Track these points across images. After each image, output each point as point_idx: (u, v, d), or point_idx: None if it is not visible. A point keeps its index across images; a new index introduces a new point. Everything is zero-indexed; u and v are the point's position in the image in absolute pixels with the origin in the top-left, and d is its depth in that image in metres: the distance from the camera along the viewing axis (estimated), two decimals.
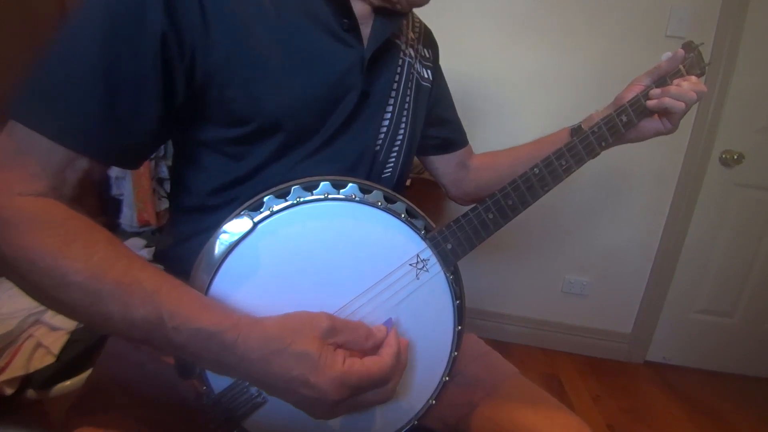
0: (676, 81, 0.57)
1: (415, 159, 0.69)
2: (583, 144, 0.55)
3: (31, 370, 0.82)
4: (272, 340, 0.35)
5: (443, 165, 0.76)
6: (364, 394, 0.38)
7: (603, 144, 0.56)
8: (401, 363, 0.41)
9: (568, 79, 1.56)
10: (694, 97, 0.56)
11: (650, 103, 0.57)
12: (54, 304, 0.36)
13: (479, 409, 0.53)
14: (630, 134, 0.61)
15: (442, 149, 0.75)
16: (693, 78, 0.58)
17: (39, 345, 0.84)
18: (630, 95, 0.59)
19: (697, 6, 1.46)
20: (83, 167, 0.38)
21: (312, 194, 0.43)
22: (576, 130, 0.64)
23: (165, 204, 1.32)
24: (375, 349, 0.39)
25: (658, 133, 0.61)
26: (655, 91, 0.57)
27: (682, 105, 0.56)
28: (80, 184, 0.39)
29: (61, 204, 0.36)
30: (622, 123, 0.56)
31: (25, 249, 0.33)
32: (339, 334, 0.37)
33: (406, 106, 0.58)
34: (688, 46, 0.59)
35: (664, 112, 0.58)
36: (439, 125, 0.72)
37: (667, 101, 0.56)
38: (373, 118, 0.54)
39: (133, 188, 1.25)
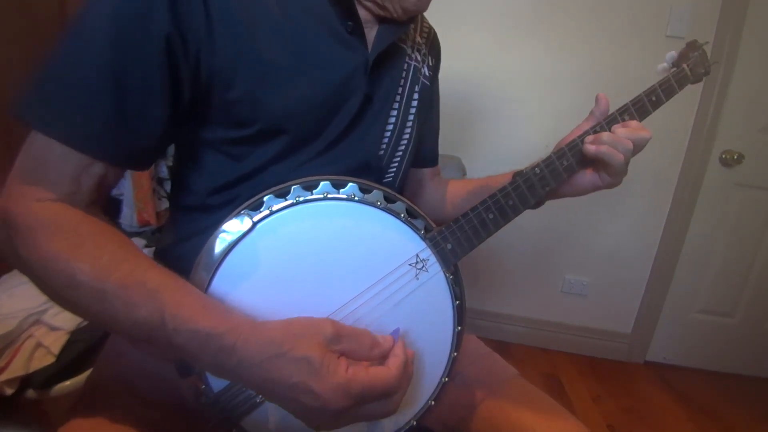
0: (613, 127, 0.52)
1: None
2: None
3: (31, 370, 0.82)
4: (273, 345, 0.34)
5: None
6: (367, 407, 0.36)
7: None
8: (408, 375, 0.38)
9: (567, 80, 1.56)
10: (630, 146, 0.50)
11: (586, 147, 0.52)
12: (67, 303, 0.37)
13: (479, 410, 0.53)
14: (565, 189, 0.56)
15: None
16: (633, 123, 0.53)
17: (39, 345, 0.84)
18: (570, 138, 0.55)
19: (697, 6, 1.46)
20: (98, 172, 0.39)
21: (312, 194, 0.43)
22: (519, 173, 0.55)
23: (165, 204, 1.32)
24: (381, 358, 0.37)
25: (596, 188, 0.55)
26: (588, 139, 0.52)
27: (619, 156, 0.50)
28: (96, 188, 0.40)
29: (75, 209, 0.38)
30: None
31: (40, 253, 0.35)
32: (343, 341, 0.36)
33: (412, 110, 0.57)
34: (693, 45, 0.59)
35: (601, 163, 0.52)
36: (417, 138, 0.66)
37: (604, 149, 0.50)
38: (377, 123, 0.53)
39: (133, 188, 1.25)
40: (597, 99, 0.55)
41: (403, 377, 0.37)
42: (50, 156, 0.37)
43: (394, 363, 0.36)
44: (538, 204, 0.60)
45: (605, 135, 0.51)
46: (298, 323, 0.36)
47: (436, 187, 0.73)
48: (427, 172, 0.73)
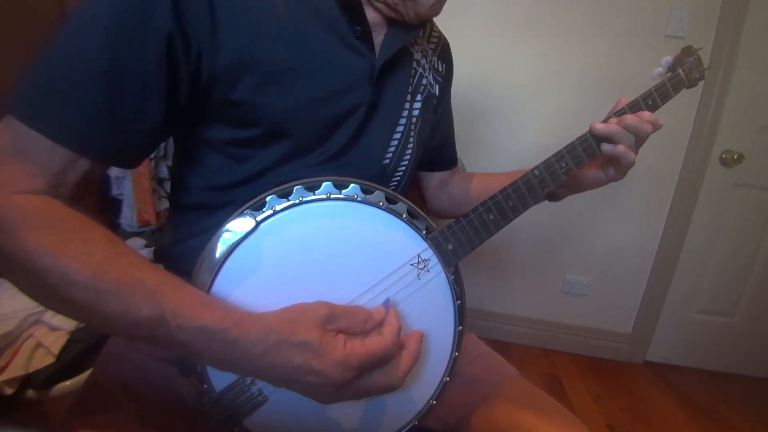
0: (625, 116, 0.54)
1: None
2: (583, 147, 0.55)
3: (31, 370, 0.82)
4: (272, 333, 0.35)
5: (426, 180, 0.75)
6: (370, 376, 0.38)
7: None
8: (412, 351, 0.41)
9: (567, 80, 1.56)
10: (649, 129, 0.52)
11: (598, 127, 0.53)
12: (54, 304, 0.35)
13: (479, 409, 0.53)
14: (571, 185, 0.60)
15: (429, 167, 0.72)
16: (646, 113, 0.54)
17: (39, 345, 0.84)
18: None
19: (697, 6, 1.46)
20: (84, 168, 0.38)
21: (314, 194, 0.43)
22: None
23: (165, 204, 1.32)
24: (375, 330, 0.40)
25: (599, 183, 0.58)
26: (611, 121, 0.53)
27: (647, 127, 0.52)
28: (80, 184, 0.38)
29: (59, 202, 0.36)
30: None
31: (24, 248, 0.32)
32: (338, 319, 0.38)
33: (415, 118, 0.57)
34: (687, 51, 0.59)
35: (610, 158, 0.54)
36: (434, 143, 0.68)
37: (622, 130, 0.52)
38: (383, 131, 0.53)
39: (133, 188, 1.25)
40: (618, 102, 0.57)
41: (396, 343, 0.39)
42: (34, 148, 0.35)
43: (388, 330, 0.39)
44: (555, 197, 0.62)
45: (629, 117, 0.53)
46: (294, 310, 0.38)
47: (458, 183, 0.75)
48: (448, 172, 0.75)
